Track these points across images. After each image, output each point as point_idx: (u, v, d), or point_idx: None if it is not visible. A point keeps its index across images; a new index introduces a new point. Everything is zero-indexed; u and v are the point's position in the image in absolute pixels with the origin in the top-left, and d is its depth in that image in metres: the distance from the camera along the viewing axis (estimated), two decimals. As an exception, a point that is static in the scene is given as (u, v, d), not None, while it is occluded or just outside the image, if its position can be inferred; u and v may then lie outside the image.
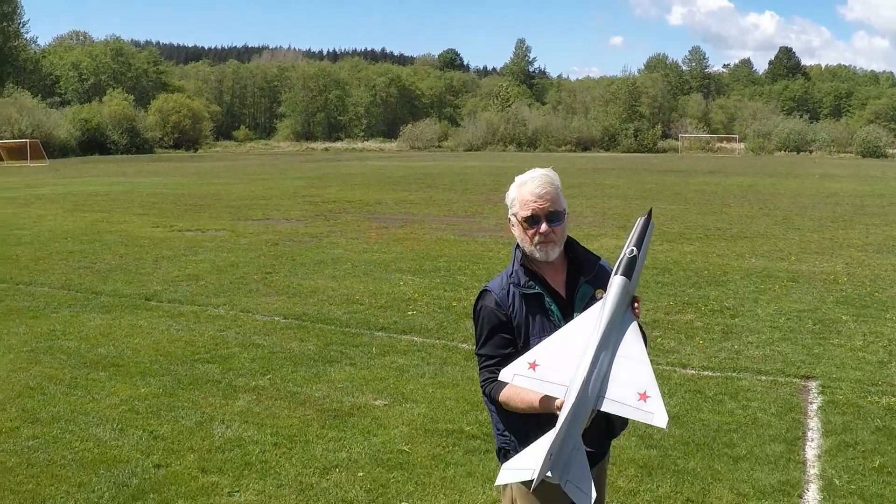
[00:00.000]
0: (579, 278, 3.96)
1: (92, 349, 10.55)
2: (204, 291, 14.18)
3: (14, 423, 7.93)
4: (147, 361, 10.00)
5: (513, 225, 4.01)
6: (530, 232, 3.89)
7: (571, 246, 4.05)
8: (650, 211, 3.97)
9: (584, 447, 3.46)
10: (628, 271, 3.65)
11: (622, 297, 3.61)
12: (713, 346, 10.82)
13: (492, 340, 3.92)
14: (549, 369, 3.55)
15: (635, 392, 3.45)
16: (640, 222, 3.82)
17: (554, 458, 3.39)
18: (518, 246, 4.02)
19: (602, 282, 3.85)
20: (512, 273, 3.99)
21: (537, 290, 3.90)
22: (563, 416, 3.40)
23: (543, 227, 3.86)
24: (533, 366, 3.58)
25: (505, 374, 3.64)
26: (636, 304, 3.71)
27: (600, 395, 3.46)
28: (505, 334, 3.89)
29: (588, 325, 3.62)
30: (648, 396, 3.42)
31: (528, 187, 3.90)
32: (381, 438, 7.60)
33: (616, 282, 3.64)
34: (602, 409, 3.46)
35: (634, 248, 3.72)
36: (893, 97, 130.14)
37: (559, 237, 3.92)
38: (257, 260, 17.53)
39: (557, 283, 3.95)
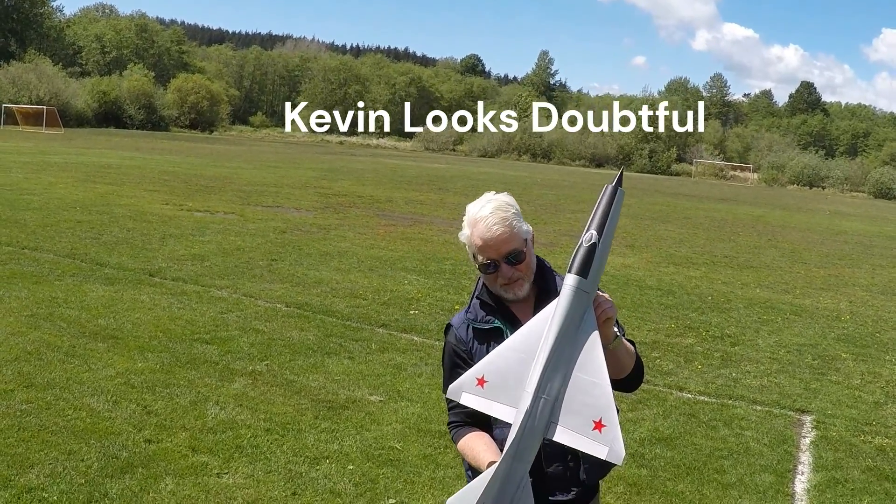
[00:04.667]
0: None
1: (92, 319, 10.56)
2: (208, 272, 14.19)
3: (9, 385, 7.94)
4: (146, 336, 10.01)
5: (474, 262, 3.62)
6: (491, 276, 3.52)
7: (542, 270, 3.66)
8: (621, 174, 3.24)
9: (530, 489, 3.11)
10: (584, 266, 3.05)
11: (576, 301, 3.06)
12: (711, 371, 10.81)
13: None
14: (498, 387, 3.14)
15: (590, 420, 2.99)
16: (605, 192, 3.16)
17: (493, 501, 3.07)
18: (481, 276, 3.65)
19: None
20: (469, 307, 3.68)
21: (496, 324, 3.56)
22: (505, 452, 3.05)
23: (505, 270, 3.48)
24: (481, 382, 3.17)
25: (453, 391, 3.24)
26: (603, 304, 3.19)
27: (551, 421, 3.03)
28: None
29: (542, 330, 3.12)
30: (604, 425, 2.97)
31: (478, 229, 3.47)
32: (374, 434, 7.61)
33: (568, 282, 3.07)
34: (553, 439, 3.03)
35: (595, 234, 3.09)
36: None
37: (526, 272, 3.54)
38: (264, 246, 17.53)
39: (524, 312, 3.51)
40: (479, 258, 3.51)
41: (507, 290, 3.53)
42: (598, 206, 3.14)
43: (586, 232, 3.10)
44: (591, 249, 3.06)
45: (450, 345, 3.70)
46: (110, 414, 7.47)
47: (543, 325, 3.12)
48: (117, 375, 8.52)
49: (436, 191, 38.42)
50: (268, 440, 7.22)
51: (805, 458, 8.06)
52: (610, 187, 3.15)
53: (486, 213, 3.48)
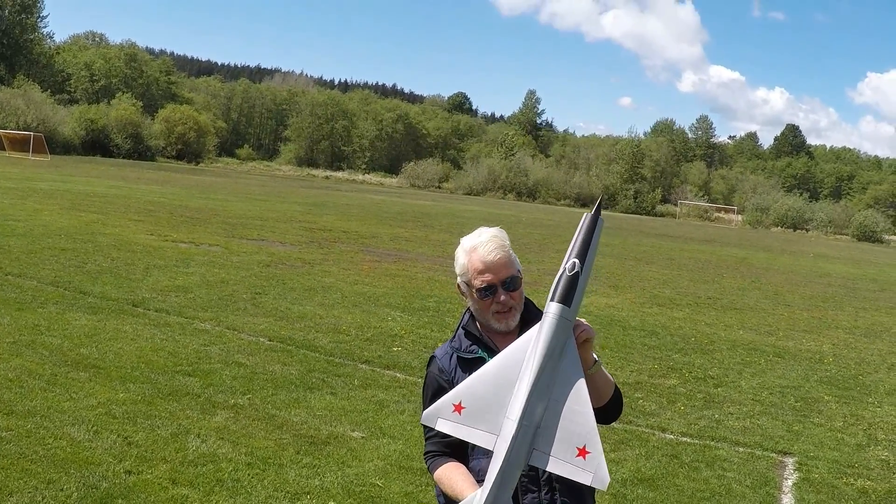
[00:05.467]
0: None
1: (74, 348, 10.51)
2: (192, 304, 14.14)
3: (-11, 413, 7.89)
4: (128, 367, 9.96)
5: (463, 293, 3.71)
6: (486, 301, 3.59)
7: (527, 307, 3.72)
8: (599, 203, 3.29)
9: None
10: (567, 294, 3.10)
11: (559, 328, 3.08)
12: (694, 412, 10.81)
13: None
14: (477, 414, 3.15)
15: (573, 447, 3.01)
16: (585, 221, 3.20)
17: None
18: (469, 308, 3.74)
19: None
20: (454, 338, 3.74)
21: (479, 354, 3.60)
22: (489, 480, 3.04)
23: (502, 296, 3.57)
24: (458, 408, 3.17)
25: (428, 417, 3.25)
26: (580, 325, 3.25)
27: (534, 448, 3.04)
28: None
29: (522, 357, 3.14)
30: (588, 452, 2.99)
31: (478, 254, 3.58)
32: (356, 470, 7.57)
33: (551, 311, 3.11)
34: (538, 466, 3.08)
35: (577, 262, 3.12)
36: (894, 184, 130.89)
37: (518, 302, 3.63)
38: (248, 279, 17.49)
39: (507, 345, 3.40)
40: (477, 282, 3.57)
41: (499, 318, 3.60)
42: (578, 235, 3.18)
43: (568, 260, 3.14)
44: (574, 278, 3.11)
45: (432, 375, 3.73)
46: (91, 444, 7.42)
47: (521, 353, 3.14)
48: (98, 405, 8.47)
49: (421, 227, 38.47)
50: (249, 474, 7.17)
51: (787, 501, 8.06)
52: (589, 216, 3.20)
53: (485, 240, 3.61)
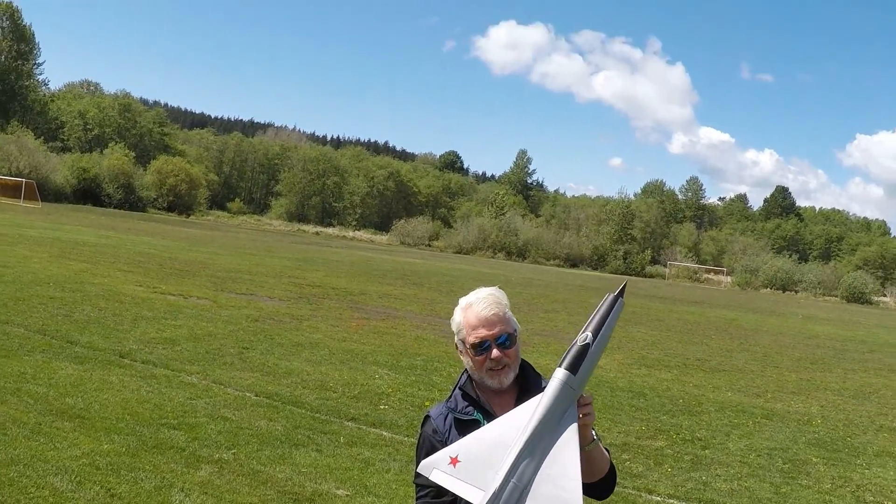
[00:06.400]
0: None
1: (60, 398, 10.44)
2: (179, 357, 14.08)
3: (-29, 463, 7.82)
4: (113, 418, 9.89)
5: (460, 351, 3.74)
6: (480, 358, 3.62)
7: (525, 370, 3.74)
8: (624, 286, 3.47)
9: None
10: (574, 363, 3.20)
11: (562, 394, 3.16)
12: (681, 474, 10.77)
13: None
14: (470, 469, 3.18)
15: None
16: (606, 300, 3.36)
17: None
18: (466, 369, 3.76)
19: None
20: (451, 398, 3.76)
21: (475, 416, 3.62)
22: None
23: (494, 352, 3.58)
24: (454, 461, 3.22)
25: (424, 467, 3.30)
26: (586, 407, 3.31)
27: None
28: None
29: (523, 422, 3.19)
30: None
31: (473, 310, 3.66)
32: (340, 527, 7.51)
33: (557, 376, 3.19)
34: None
35: (590, 335, 3.25)
36: (883, 246, 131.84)
37: (513, 360, 3.64)
38: (236, 333, 17.43)
39: (504, 409, 3.50)
40: (471, 338, 3.62)
41: (492, 375, 3.62)
42: (597, 312, 3.32)
43: (582, 332, 3.26)
44: (584, 349, 3.22)
45: (426, 434, 3.73)
46: (73, 494, 7.36)
47: (524, 416, 3.17)
48: (82, 456, 8.41)
49: (410, 285, 38.41)
50: (232, 529, 7.11)
51: (774, 566, 8.00)
52: (611, 296, 3.34)
53: (482, 297, 3.69)
